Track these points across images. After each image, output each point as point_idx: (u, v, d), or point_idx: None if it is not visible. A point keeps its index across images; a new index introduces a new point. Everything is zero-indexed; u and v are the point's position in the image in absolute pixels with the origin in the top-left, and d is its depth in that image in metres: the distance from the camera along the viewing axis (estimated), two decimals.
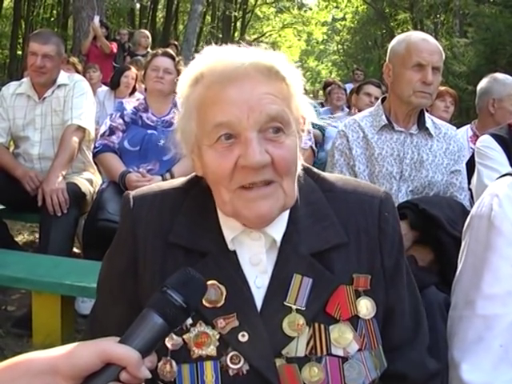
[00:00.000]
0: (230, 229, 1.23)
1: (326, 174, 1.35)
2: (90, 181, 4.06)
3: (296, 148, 1.16)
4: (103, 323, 1.32)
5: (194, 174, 1.33)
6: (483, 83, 4.07)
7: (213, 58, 1.16)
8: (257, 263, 1.23)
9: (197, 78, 1.17)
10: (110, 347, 0.90)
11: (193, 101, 1.17)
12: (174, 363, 1.17)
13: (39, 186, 3.63)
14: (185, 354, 1.18)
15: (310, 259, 1.21)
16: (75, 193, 3.70)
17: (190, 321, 1.18)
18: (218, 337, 1.17)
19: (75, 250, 4.28)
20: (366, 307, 1.23)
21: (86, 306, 3.56)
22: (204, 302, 1.18)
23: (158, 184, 1.38)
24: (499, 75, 4.06)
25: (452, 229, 2.32)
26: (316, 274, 1.21)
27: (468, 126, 4.31)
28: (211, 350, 1.17)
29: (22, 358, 0.92)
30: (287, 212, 1.23)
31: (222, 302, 1.19)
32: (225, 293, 1.19)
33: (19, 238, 5.17)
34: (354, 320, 1.21)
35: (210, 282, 1.17)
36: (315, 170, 1.35)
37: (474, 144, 3.53)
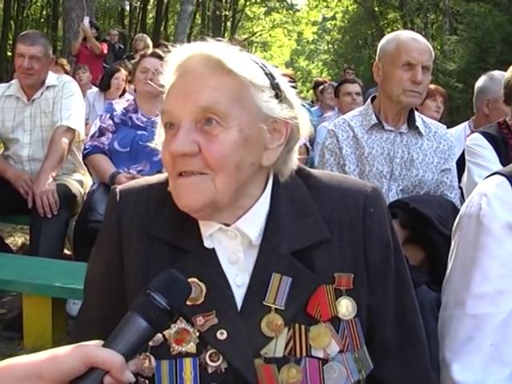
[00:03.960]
0: (206, 226, 1.21)
1: (313, 171, 1.32)
2: (80, 182, 4.03)
3: (237, 143, 1.11)
4: (88, 325, 1.30)
5: None
6: (479, 82, 3.93)
7: (173, 50, 1.19)
8: (235, 262, 1.21)
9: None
10: (93, 351, 0.89)
11: None
12: (152, 359, 1.16)
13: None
14: (164, 350, 1.16)
15: (291, 258, 1.19)
16: (65, 194, 3.68)
17: None
18: (197, 334, 1.16)
19: (66, 251, 4.25)
20: (346, 307, 1.20)
21: (77, 307, 3.51)
22: None
23: (145, 178, 1.37)
24: (496, 73, 3.87)
25: (443, 227, 2.32)
26: (296, 272, 1.18)
27: (466, 124, 4.22)
28: (191, 347, 1.15)
29: (5, 364, 0.90)
30: (264, 210, 1.21)
31: (202, 299, 1.17)
32: (205, 290, 1.17)
33: (10, 241, 5.13)
34: (336, 321, 1.18)
35: (190, 280, 1.15)
36: (303, 167, 1.31)
37: None
